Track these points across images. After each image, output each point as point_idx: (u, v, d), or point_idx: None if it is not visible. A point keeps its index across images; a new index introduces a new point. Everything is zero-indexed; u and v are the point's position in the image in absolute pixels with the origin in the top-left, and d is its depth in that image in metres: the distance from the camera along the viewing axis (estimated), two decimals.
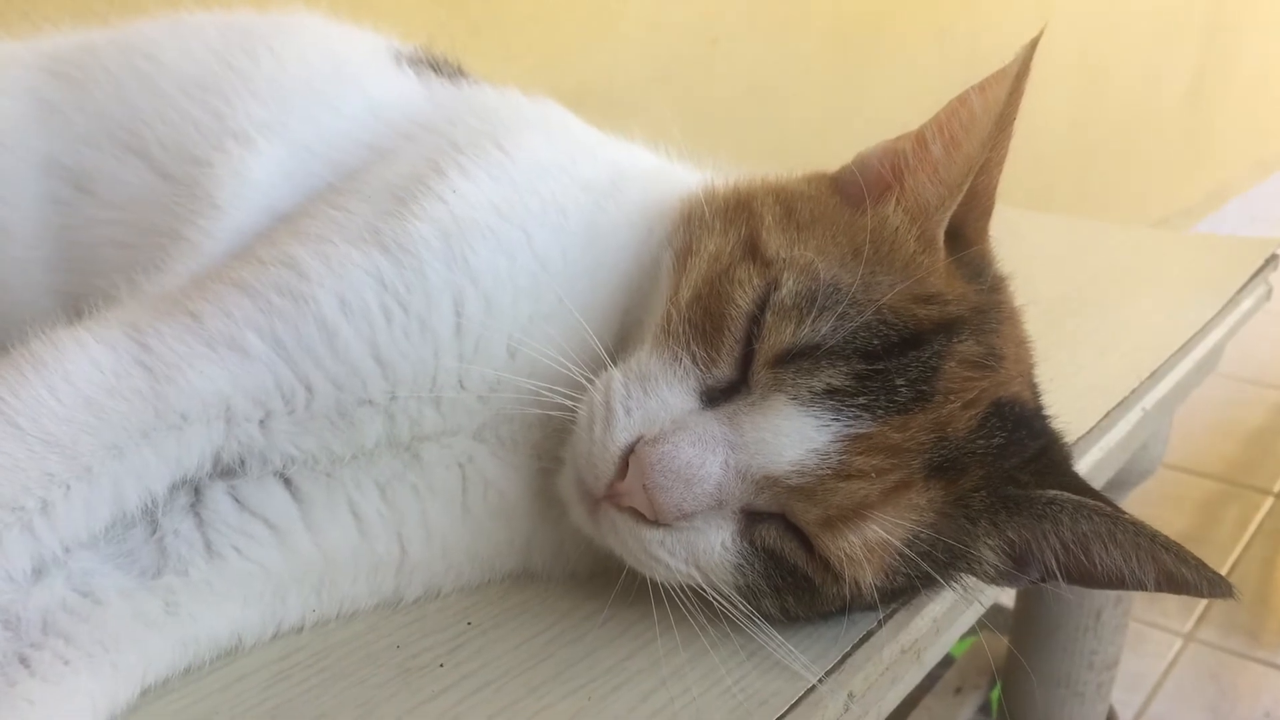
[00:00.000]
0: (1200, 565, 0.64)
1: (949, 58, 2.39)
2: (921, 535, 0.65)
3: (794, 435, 0.62)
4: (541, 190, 0.73)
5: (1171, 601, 2.20)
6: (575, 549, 0.74)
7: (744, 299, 0.65)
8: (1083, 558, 0.67)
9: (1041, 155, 2.75)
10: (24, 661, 0.60)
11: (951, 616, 0.75)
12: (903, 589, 0.68)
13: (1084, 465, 0.92)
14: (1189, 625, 2.16)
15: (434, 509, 0.72)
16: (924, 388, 0.64)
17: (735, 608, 0.66)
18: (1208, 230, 3.85)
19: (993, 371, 0.67)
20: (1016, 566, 0.69)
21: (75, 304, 0.71)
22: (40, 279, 0.84)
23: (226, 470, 0.69)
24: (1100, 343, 1.15)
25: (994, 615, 1.37)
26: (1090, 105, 3.19)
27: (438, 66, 0.90)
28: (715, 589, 0.66)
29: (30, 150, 0.84)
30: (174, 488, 0.67)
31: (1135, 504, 0.70)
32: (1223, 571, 0.65)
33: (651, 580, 0.67)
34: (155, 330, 0.65)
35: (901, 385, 0.63)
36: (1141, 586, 0.66)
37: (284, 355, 0.66)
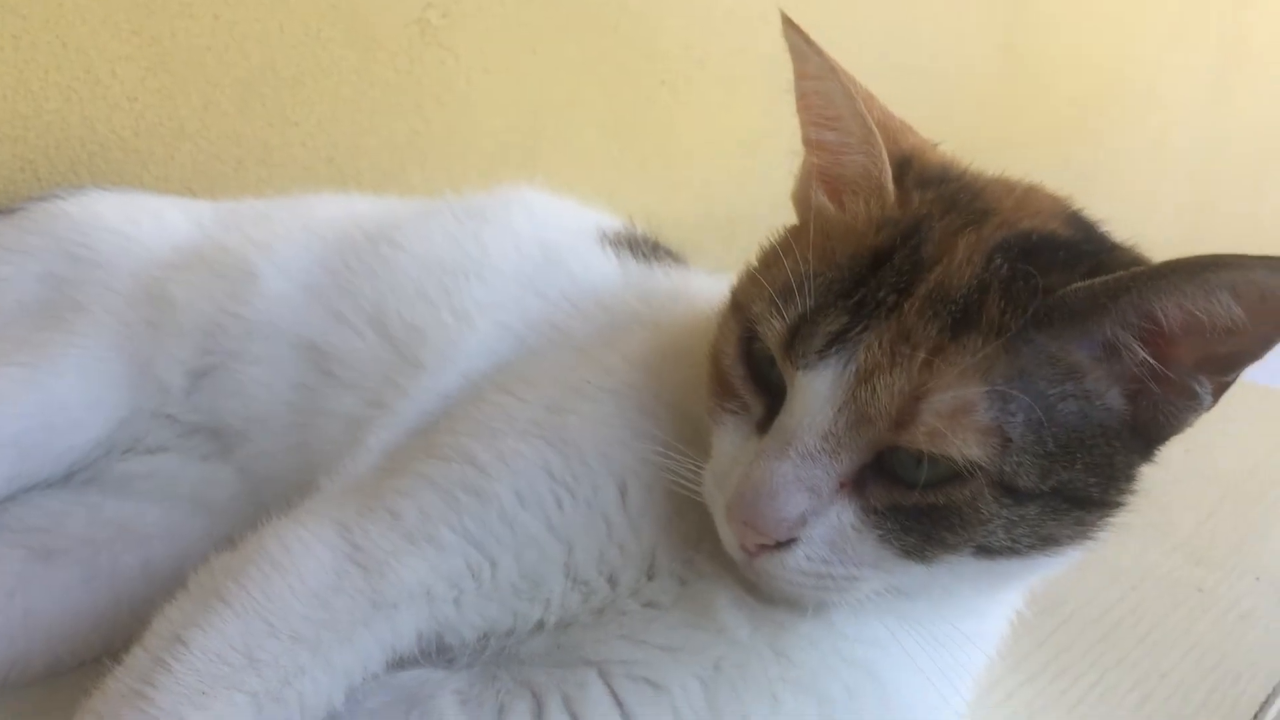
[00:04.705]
0: None
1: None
2: (995, 386, 0.63)
3: (821, 389, 0.66)
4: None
5: None
6: None
7: (729, 345, 0.73)
8: (1149, 323, 0.65)
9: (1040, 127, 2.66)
10: None
11: None
12: (1037, 446, 0.64)
13: None
14: None
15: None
16: (907, 278, 0.67)
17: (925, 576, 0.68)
18: None
19: (979, 225, 0.69)
20: (1109, 359, 0.66)
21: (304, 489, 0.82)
22: (279, 473, 0.93)
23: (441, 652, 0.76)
24: None
25: None
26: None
27: (635, 245, 1.00)
28: (892, 576, 0.69)
29: (295, 336, 0.94)
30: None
31: None
32: None
33: None
34: (362, 529, 0.74)
35: (886, 295, 0.66)
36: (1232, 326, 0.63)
37: (473, 542, 0.74)
